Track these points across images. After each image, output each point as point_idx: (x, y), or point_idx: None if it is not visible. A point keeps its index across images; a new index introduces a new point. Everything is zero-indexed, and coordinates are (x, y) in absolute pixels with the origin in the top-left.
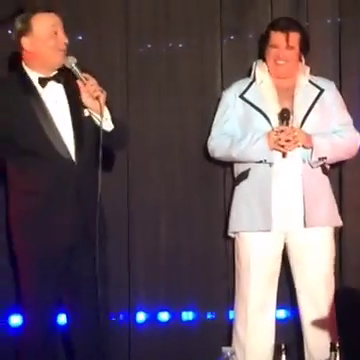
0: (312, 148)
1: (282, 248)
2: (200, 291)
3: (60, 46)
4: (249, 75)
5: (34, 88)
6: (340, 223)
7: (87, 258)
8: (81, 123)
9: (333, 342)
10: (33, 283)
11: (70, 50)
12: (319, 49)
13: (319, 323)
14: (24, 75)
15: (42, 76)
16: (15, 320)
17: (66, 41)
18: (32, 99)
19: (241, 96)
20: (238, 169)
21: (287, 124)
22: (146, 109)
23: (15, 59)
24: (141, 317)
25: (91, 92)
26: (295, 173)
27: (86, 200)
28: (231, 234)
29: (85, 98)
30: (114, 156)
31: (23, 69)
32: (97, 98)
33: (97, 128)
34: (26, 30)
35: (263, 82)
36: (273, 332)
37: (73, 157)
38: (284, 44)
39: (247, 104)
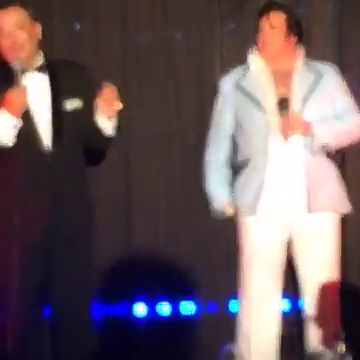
0: (312, 136)
1: (287, 237)
2: (200, 282)
3: (6, 44)
4: None
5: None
6: (348, 209)
7: (70, 251)
8: (61, 115)
9: (338, 330)
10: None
11: (68, 39)
12: (320, 35)
13: (322, 313)
14: (6, 64)
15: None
16: None
17: (14, 40)
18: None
19: (237, 84)
20: (239, 158)
21: (286, 113)
22: (144, 98)
23: None
24: (140, 309)
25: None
26: (297, 159)
27: (62, 195)
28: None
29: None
30: (102, 154)
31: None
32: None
33: (81, 122)
34: None
35: (259, 69)
36: (279, 323)
37: (49, 149)
38: (267, 25)
39: (243, 92)
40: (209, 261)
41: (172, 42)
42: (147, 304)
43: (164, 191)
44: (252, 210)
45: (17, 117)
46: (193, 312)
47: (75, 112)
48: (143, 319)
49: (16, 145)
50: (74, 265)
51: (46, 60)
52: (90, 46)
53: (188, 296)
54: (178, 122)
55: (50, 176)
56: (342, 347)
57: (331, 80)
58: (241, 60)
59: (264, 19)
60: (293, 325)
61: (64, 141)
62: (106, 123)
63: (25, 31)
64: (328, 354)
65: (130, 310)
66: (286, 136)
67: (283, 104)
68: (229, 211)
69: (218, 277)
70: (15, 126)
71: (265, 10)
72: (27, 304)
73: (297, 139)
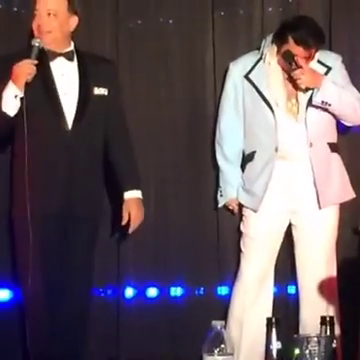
0: (318, 89)
1: (286, 227)
2: (189, 267)
3: (36, 27)
4: (240, 51)
5: (45, 59)
6: (351, 196)
7: (80, 232)
8: (88, 100)
9: (324, 316)
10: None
11: None
12: None
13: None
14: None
15: (51, 50)
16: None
17: (42, 24)
18: (40, 68)
19: (246, 76)
20: (245, 150)
21: (296, 65)
22: (136, 85)
23: None
24: (129, 292)
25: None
26: (303, 157)
27: (78, 176)
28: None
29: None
30: None
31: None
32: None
33: (105, 110)
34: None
35: (270, 65)
36: (270, 307)
37: (70, 129)
38: (303, 55)
39: (251, 85)
40: (197, 246)
41: (164, 29)
42: (136, 288)
43: (153, 177)
44: (257, 207)
45: (19, 87)
46: (181, 296)
47: (100, 98)
48: (132, 303)
49: (39, 124)
50: (80, 249)
51: (75, 50)
52: (82, 33)
53: (176, 281)
54: (169, 107)
55: (68, 156)
56: (328, 331)
57: (338, 72)
58: (232, 46)
59: (302, 52)
60: (280, 309)
61: (85, 123)
62: None
63: (57, 20)
64: (314, 338)
65: (119, 294)
66: (298, 88)
67: (287, 57)
68: (234, 206)
69: (206, 263)
70: (16, 96)
71: (307, 47)
72: (43, 278)
73: (302, 136)
